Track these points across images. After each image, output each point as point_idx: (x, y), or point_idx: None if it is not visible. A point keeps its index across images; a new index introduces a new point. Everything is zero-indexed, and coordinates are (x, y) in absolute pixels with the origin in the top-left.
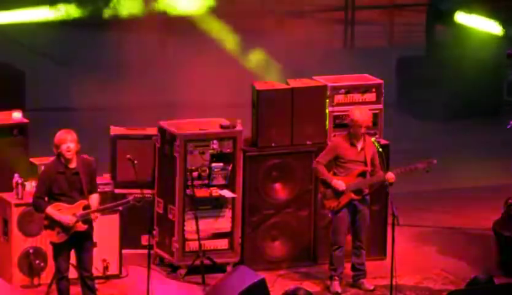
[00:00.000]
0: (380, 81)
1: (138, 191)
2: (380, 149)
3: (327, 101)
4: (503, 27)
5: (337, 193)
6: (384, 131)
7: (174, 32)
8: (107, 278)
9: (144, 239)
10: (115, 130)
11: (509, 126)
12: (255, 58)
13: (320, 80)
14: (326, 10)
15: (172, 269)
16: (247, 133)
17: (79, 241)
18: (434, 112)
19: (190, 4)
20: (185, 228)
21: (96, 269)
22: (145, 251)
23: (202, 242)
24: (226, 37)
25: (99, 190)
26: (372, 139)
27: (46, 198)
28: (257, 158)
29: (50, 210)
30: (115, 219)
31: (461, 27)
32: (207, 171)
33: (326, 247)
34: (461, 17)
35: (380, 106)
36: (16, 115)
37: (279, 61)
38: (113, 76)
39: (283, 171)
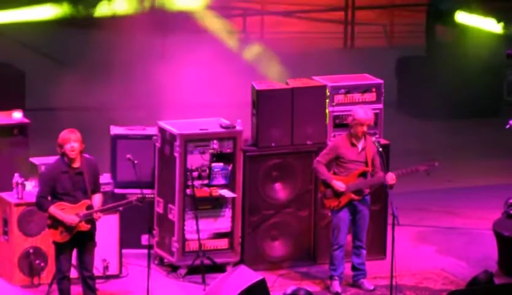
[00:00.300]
0: (380, 81)
1: (138, 191)
2: (381, 149)
3: (327, 101)
4: (503, 27)
5: (338, 193)
6: (384, 131)
7: (171, 30)
8: (107, 277)
9: (144, 239)
10: (115, 130)
11: (508, 126)
12: (255, 52)
13: (320, 80)
14: (326, 10)
15: (172, 269)
16: (247, 133)
17: (82, 240)
18: (434, 112)
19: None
20: (185, 228)
21: (96, 269)
22: (145, 251)
23: (202, 242)
24: (225, 33)
25: None
26: (373, 139)
27: (49, 198)
28: (257, 158)
29: (53, 209)
30: (115, 219)
31: (461, 27)
32: (207, 171)
33: (326, 247)
34: (462, 17)
35: (380, 106)
36: (17, 115)
37: (279, 62)
38: (113, 76)
39: (283, 171)
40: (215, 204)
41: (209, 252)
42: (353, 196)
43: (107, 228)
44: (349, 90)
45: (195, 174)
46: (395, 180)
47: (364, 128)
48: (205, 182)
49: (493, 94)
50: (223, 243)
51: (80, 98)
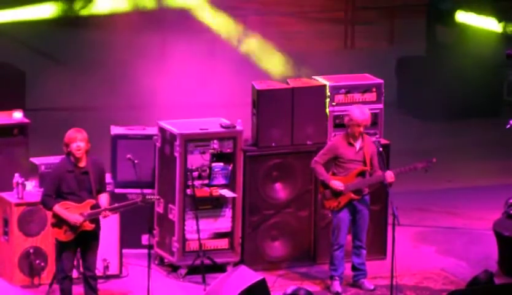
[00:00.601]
0: (381, 81)
1: (138, 191)
2: (381, 149)
3: (327, 101)
4: (503, 27)
5: (337, 194)
6: (384, 131)
7: (170, 28)
8: (107, 277)
9: (144, 239)
10: (115, 130)
11: (508, 126)
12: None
13: (320, 80)
14: (327, 10)
15: (172, 269)
16: (247, 132)
17: (85, 240)
18: (434, 112)
19: None
20: (185, 228)
21: (96, 269)
22: (145, 251)
23: (202, 242)
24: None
25: None
26: (373, 139)
27: (54, 196)
28: (257, 158)
29: (58, 208)
30: (115, 218)
31: (461, 27)
32: (208, 170)
33: (326, 247)
34: (462, 17)
35: (381, 106)
36: (17, 115)
37: (278, 62)
38: (113, 75)
39: (283, 171)
40: (216, 204)
41: (209, 252)
42: (352, 196)
43: (107, 228)
44: (349, 89)
45: (195, 174)
46: (393, 178)
47: (361, 128)
48: (206, 182)
49: (493, 94)
50: (223, 243)
51: (80, 98)
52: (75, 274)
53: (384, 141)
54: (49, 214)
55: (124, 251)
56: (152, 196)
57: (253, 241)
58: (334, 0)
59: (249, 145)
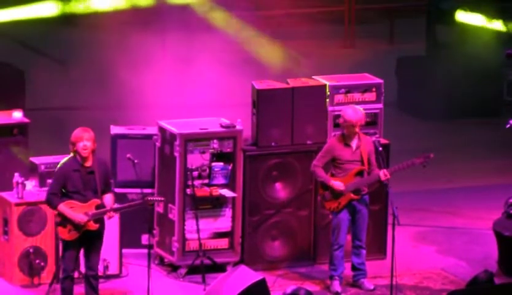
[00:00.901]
0: (380, 81)
1: (138, 190)
2: (381, 149)
3: (327, 100)
4: (504, 27)
5: (336, 194)
6: (384, 130)
7: (170, 27)
8: (107, 277)
9: (144, 239)
10: (115, 130)
11: (508, 126)
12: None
13: (320, 79)
14: (327, 10)
15: (172, 269)
16: (247, 132)
17: (89, 239)
18: (434, 112)
19: None
20: (185, 227)
21: None
22: (145, 251)
23: (202, 241)
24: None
25: None
26: (373, 139)
27: (59, 195)
28: (257, 158)
29: (63, 207)
30: (115, 218)
31: (461, 27)
32: (207, 170)
33: (326, 247)
34: (462, 16)
35: (380, 106)
36: (17, 115)
37: (278, 62)
38: (113, 75)
39: (283, 171)
40: (215, 203)
41: (209, 252)
42: (352, 196)
43: (107, 228)
44: (349, 89)
45: (195, 173)
46: (388, 176)
47: (356, 128)
48: (206, 181)
49: (493, 94)
50: (223, 243)
51: (80, 98)
52: (75, 274)
53: (383, 141)
54: (49, 214)
55: (124, 250)
56: (157, 198)
57: (253, 241)
58: (334, 0)
59: (249, 145)
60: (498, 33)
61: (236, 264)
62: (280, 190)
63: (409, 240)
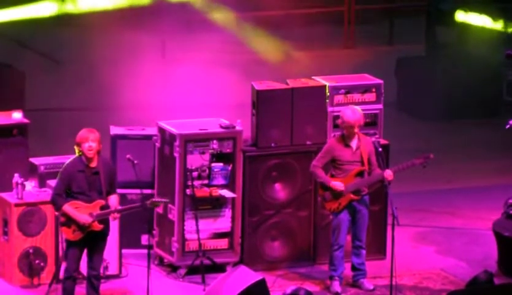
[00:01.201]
0: (380, 81)
1: (138, 191)
2: (380, 149)
3: (327, 101)
4: (504, 27)
5: (337, 195)
6: (384, 131)
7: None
8: (107, 277)
9: (144, 239)
10: (114, 130)
11: (508, 126)
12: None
13: (320, 80)
14: (327, 10)
15: (172, 269)
16: (247, 133)
17: (93, 240)
18: (434, 112)
19: None
20: (184, 228)
21: None
22: (145, 251)
23: (202, 242)
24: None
25: None
26: (373, 139)
27: (64, 196)
28: (257, 159)
29: (67, 208)
30: None
31: (461, 27)
32: (207, 171)
33: (326, 247)
34: (462, 17)
35: (380, 106)
36: (16, 116)
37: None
38: (112, 75)
39: (283, 171)
40: (215, 204)
41: (208, 252)
42: (352, 196)
43: None
44: (349, 90)
45: (195, 174)
46: (392, 176)
47: (355, 129)
48: (205, 182)
49: (493, 94)
50: (223, 243)
51: (80, 98)
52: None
53: (383, 141)
54: (49, 214)
55: (123, 251)
56: (162, 199)
57: (252, 241)
58: (334, 0)
59: (249, 146)
60: (498, 33)
61: (235, 264)
62: (280, 191)
63: (409, 240)
